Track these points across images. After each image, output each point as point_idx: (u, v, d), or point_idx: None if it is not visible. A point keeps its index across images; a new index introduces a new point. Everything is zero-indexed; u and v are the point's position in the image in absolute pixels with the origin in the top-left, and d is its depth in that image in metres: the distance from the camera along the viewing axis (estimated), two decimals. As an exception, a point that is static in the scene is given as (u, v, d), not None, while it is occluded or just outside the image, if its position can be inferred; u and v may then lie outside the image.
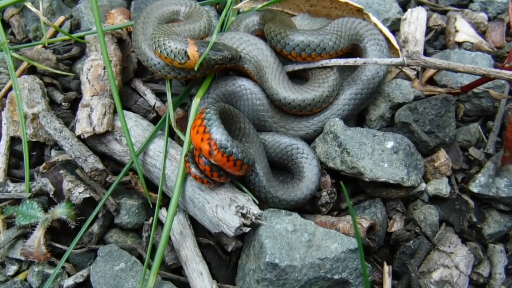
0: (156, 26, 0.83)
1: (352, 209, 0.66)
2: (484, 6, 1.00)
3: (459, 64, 0.76)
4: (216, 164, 0.70)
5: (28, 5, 0.86)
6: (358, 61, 0.81)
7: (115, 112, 0.85)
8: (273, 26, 0.84)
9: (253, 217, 0.73)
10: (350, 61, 0.81)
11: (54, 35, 0.98)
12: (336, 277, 0.73)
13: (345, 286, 0.74)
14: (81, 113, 0.83)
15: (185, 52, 0.76)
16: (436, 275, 0.74)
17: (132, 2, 0.97)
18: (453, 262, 0.74)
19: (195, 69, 0.74)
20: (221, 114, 0.73)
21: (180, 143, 0.83)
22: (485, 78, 0.79)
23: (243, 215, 0.72)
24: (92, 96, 0.84)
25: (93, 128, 0.81)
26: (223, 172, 0.72)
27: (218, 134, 0.69)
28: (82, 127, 0.81)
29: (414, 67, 0.87)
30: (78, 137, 0.83)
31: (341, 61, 0.82)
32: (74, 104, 0.91)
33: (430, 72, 0.90)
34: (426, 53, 0.97)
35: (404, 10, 1.00)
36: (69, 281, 0.76)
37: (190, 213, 0.78)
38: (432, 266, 0.75)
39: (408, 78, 0.91)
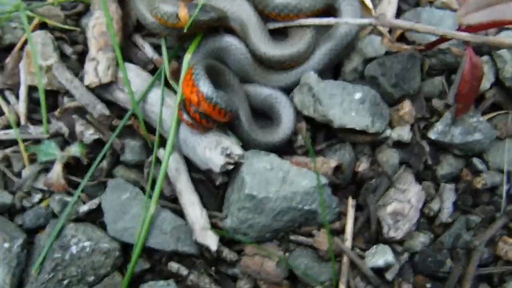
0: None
1: (312, 151, 0.79)
2: (458, -35, 1.07)
3: (420, 26, 0.86)
4: (204, 112, 0.83)
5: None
6: (331, 21, 0.91)
7: (118, 64, 0.96)
8: (257, -13, 0.93)
9: (236, 157, 0.86)
10: (324, 21, 0.91)
11: (62, -10, 1.07)
12: (306, 207, 0.87)
13: (315, 215, 0.89)
14: (88, 66, 0.94)
15: (177, 15, 0.86)
16: (390, 208, 0.88)
17: (131, -38, 1.05)
18: (406, 198, 0.88)
19: (184, 30, 0.85)
20: (208, 69, 0.85)
21: (175, 92, 0.95)
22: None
23: (228, 155, 0.86)
24: (97, 51, 0.95)
25: (99, 79, 0.93)
26: (211, 119, 0.84)
27: (205, 87, 0.81)
28: (90, 78, 0.93)
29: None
30: (87, 86, 0.95)
31: (316, 21, 0.91)
32: (81, 56, 1.02)
33: (400, 30, 0.99)
34: (400, 10, 1.05)
35: (384, -32, 1.06)
36: (85, 208, 0.91)
37: (184, 152, 0.91)
38: (387, 201, 0.89)
39: (381, 34, 1.00)
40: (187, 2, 0.90)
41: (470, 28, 0.80)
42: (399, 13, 1.05)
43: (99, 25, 0.96)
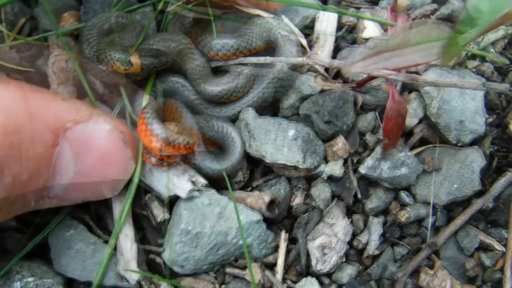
0: (98, 38, 0.98)
1: (231, 190, 0.87)
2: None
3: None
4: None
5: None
6: (267, 59, 0.96)
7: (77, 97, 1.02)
8: (198, 30, 0.99)
9: (200, 185, 0.91)
10: (261, 59, 0.97)
11: (18, 33, 1.13)
12: (240, 242, 0.91)
13: (251, 249, 0.93)
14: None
15: (129, 61, 0.91)
16: (318, 241, 0.92)
17: (81, 7, 1.10)
18: (333, 231, 0.92)
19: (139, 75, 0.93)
20: (157, 110, 0.90)
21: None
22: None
23: (193, 183, 0.91)
24: (58, 85, 1.01)
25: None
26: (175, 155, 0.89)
27: (163, 133, 0.85)
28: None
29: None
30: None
31: (253, 59, 0.98)
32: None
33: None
34: (339, 48, 1.10)
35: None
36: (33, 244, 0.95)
37: (147, 181, 0.94)
38: (316, 234, 0.93)
39: (317, 72, 1.04)
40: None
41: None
42: (338, 51, 1.11)
43: (59, 61, 1.03)
